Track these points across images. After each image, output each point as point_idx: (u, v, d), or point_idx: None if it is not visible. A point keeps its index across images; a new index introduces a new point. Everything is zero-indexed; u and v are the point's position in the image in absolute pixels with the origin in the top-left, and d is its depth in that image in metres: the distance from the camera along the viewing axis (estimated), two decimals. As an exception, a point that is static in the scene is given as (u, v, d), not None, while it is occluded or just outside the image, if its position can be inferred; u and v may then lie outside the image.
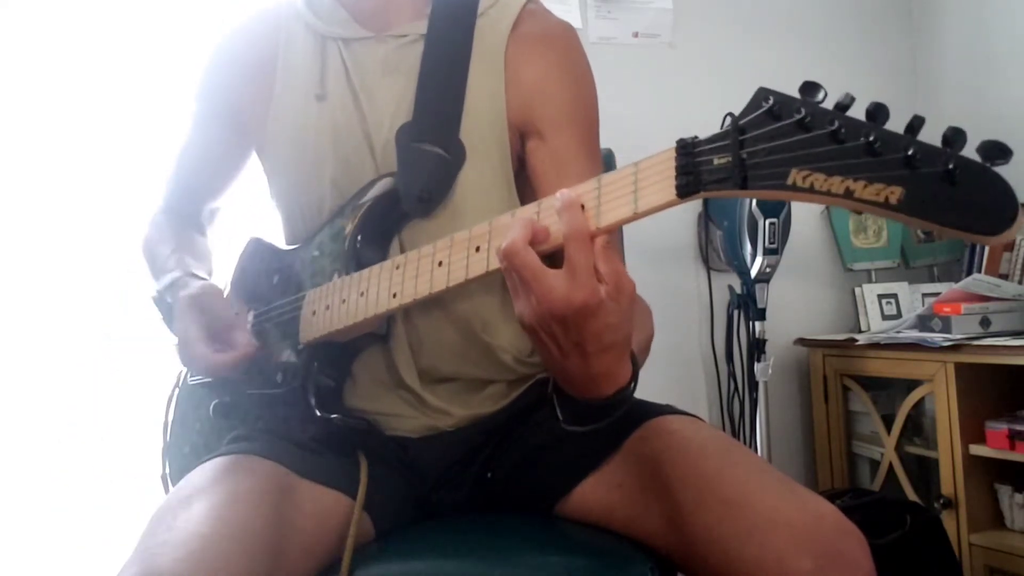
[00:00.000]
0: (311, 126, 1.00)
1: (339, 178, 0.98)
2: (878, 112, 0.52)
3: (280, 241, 1.09)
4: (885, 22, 2.33)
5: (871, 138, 0.52)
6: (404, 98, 0.97)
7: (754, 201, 1.85)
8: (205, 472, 0.84)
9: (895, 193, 0.51)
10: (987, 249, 1.98)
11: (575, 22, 1.98)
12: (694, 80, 2.12)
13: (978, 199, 0.49)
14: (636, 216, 0.65)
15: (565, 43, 1.02)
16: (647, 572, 0.81)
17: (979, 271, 1.96)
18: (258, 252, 1.09)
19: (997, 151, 0.49)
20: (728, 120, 0.62)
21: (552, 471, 0.93)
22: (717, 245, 2.05)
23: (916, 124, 0.51)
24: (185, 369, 1.12)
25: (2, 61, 1.63)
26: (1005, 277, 1.95)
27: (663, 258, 2.08)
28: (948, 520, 1.73)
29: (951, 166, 0.49)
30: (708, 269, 2.11)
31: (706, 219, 2.09)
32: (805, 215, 2.15)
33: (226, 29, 1.10)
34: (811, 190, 0.54)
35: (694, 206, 2.10)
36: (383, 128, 0.97)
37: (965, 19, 2.22)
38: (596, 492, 0.89)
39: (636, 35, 2.07)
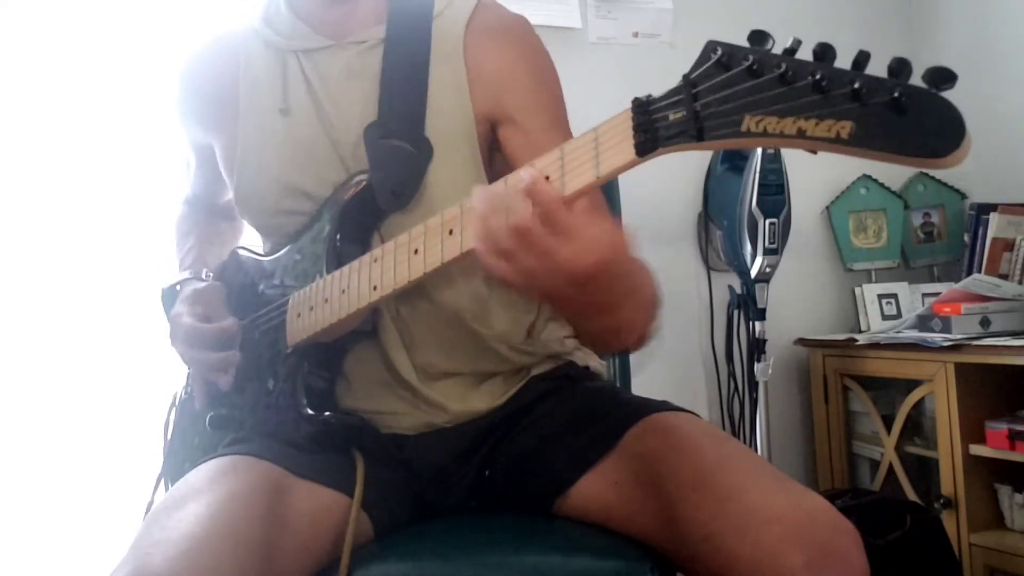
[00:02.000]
0: (278, 141, 1.01)
1: (312, 189, 0.99)
2: (826, 52, 0.53)
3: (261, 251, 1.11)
4: (885, 23, 2.33)
5: (817, 76, 0.52)
6: (369, 101, 0.98)
7: (754, 201, 1.85)
8: (200, 473, 0.85)
9: (845, 128, 0.51)
10: (987, 249, 1.97)
11: (575, 22, 1.98)
12: (694, 80, 2.12)
13: (927, 125, 0.49)
14: (599, 180, 0.66)
15: (521, 31, 1.04)
16: (647, 572, 0.81)
17: (979, 271, 1.95)
18: (242, 266, 1.10)
19: (943, 76, 0.48)
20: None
21: (550, 468, 0.93)
22: (717, 245, 2.04)
23: (862, 60, 0.51)
24: (179, 389, 1.15)
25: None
26: (1005, 277, 1.94)
27: (663, 258, 2.08)
28: (948, 520, 1.72)
29: (897, 94, 0.49)
30: (708, 269, 2.11)
31: (706, 219, 2.08)
32: (805, 215, 2.14)
33: (185, 57, 1.11)
34: (765, 134, 0.54)
35: (694, 205, 2.10)
36: (351, 133, 0.98)
37: (965, 19, 2.21)
38: (594, 490, 0.89)
39: (636, 35, 2.07)
